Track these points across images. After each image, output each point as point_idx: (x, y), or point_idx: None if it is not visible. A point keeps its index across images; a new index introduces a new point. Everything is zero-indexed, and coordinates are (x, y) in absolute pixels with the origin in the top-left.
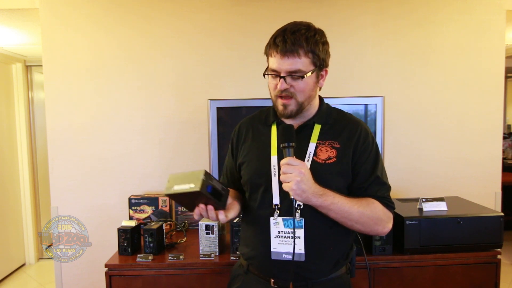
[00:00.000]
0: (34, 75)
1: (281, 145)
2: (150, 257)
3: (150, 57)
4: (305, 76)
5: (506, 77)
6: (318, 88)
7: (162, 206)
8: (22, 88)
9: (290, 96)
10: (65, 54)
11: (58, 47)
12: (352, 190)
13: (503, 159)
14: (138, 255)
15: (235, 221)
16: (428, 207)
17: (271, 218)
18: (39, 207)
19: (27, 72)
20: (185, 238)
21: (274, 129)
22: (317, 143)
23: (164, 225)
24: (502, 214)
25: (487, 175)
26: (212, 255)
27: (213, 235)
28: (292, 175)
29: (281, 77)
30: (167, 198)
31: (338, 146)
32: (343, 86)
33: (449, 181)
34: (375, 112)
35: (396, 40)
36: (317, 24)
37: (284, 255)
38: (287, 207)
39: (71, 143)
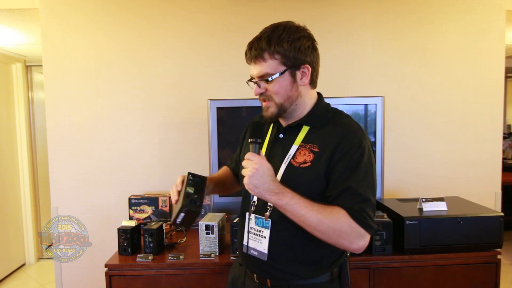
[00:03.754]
0: (34, 75)
1: (249, 140)
2: (150, 257)
3: (150, 57)
4: (271, 78)
5: (506, 77)
6: (307, 87)
7: (162, 206)
8: (22, 88)
9: (268, 99)
10: (65, 54)
11: (58, 47)
12: (324, 197)
13: (503, 159)
14: (138, 255)
15: (234, 221)
16: (428, 207)
17: (247, 213)
18: (39, 207)
19: (27, 72)
20: (185, 238)
21: (270, 128)
22: (299, 145)
23: (164, 225)
24: (502, 214)
25: (487, 175)
26: (212, 255)
27: (213, 235)
28: (247, 170)
29: (255, 82)
30: (167, 198)
31: (317, 150)
32: (343, 86)
33: (449, 181)
34: (375, 112)
35: (396, 40)
36: (318, 24)
37: (251, 251)
38: (261, 206)
39: (71, 143)
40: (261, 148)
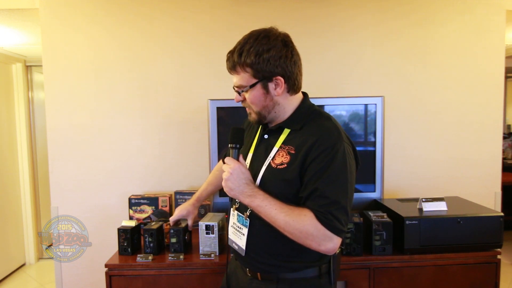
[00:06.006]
0: (34, 75)
1: (229, 145)
2: (150, 257)
3: (150, 57)
4: (244, 90)
5: (506, 77)
6: (285, 95)
7: (162, 206)
8: (22, 88)
9: (248, 106)
10: (65, 54)
11: (58, 47)
12: (298, 199)
13: (503, 159)
14: (138, 255)
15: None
16: (428, 207)
17: (231, 209)
18: (39, 207)
19: (27, 72)
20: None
21: (260, 129)
22: (279, 147)
23: (164, 225)
24: (502, 214)
25: (487, 175)
26: (212, 255)
27: (213, 235)
28: (224, 173)
29: (236, 91)
30: (167, 198)
31: (293, 152)
32: (343, 86)
33: (449, 181)
34: (375, 112)
35: (396, 40)
36: (317, 24)
37: (233, 244)
38: (243, 205)
39: (71, 143)
40: (239, 153)
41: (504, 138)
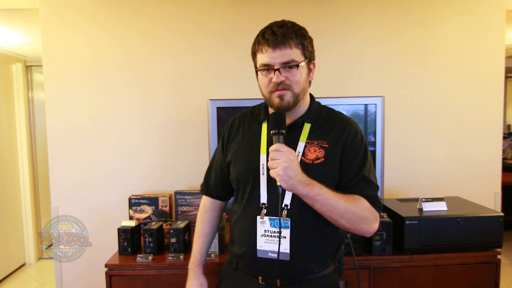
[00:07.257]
0: (34, 75)
1: (271, 132)
2: (150, 257)
3: (150, 57)
4: (299, 65)
5: (506, 77)
6: (309, 83)
7: (162, 206)
8: (22, 88)
9: (287, 88)
10: (65, 54)
11: (58, 47)
12: (338, 189)
13: (503, 159)
14: (138, 255)
15: None
16: (428, 207)
17: (258, 217)
18: (39, 207)
19: (27, 72)
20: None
21: (264, 126)
22: (306, 142)
23: (164, 225)
24: (502, 214)
25: (487, 175)
26: (212, 255)
27: None
28: (279, 161)
29: (275, 70)
30: (167, 198)
31: (327, 146)
32: (343, 86)
33: (449, 181)
34: (375, 112)
35: (396, 40)
36: (317, 24)
37: (269, 254)
38: (274, 207)
39: (71, 143)
40: (284, 139)
41: (504, 138)
